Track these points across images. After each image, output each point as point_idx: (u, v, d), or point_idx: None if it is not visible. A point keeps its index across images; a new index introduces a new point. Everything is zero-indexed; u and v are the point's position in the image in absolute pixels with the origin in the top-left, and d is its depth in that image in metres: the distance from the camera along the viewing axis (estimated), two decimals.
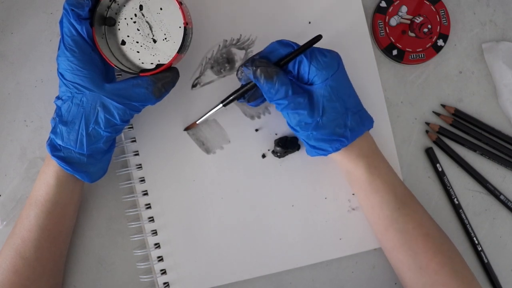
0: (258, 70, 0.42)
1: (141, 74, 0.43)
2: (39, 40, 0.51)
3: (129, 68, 0.44)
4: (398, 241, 0.44)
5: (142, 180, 0.50)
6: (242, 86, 0.45)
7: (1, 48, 0.51)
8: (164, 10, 0.44)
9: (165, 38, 0.44)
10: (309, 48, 0.42)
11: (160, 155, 0.50)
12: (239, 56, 0.51)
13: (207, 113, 0.48)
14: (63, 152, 0.43)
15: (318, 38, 0.42)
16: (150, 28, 0.44)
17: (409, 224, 0.44)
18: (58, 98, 0.43)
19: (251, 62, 0.43)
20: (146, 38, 0.44)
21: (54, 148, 0.43)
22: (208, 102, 0.51)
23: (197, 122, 0.49)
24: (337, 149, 0.43)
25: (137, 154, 0.50)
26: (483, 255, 0.51)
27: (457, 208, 0.52)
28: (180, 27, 0.44)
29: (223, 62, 0.51)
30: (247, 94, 0.45)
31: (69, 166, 0.43)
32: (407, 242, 0.43)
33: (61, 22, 0.42)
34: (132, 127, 0.51)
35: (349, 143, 0.43)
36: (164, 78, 0.43)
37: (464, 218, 0.51)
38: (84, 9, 0.41)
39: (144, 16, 0.44)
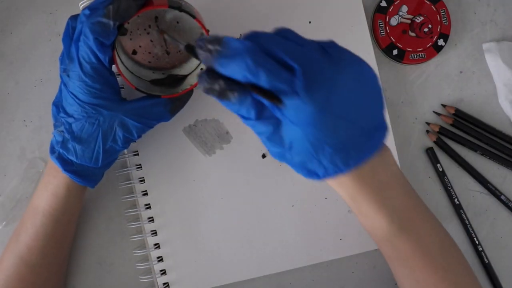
0: (205, 86, 0.31)
1: (162, 96, 0.43)
2: (38, 40, 0.51)
3: (152, 92, 0.43)
4: (393, 255, 0.40)
5: (142, 180, 0.50)
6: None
7: (0, 48, 0.51)
8: (180, 23, 0.43)
9: (179, 51, 0.44)
10: (268, 99, 0.31)
11: (159, 155, 0.50)
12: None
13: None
14: (75, 167, 0.42)
15: (277, 101, 0.31)
16: (164, 40, 0.44)
17: (406, 245, 0.39)
18: (68, 115, 0.41)
19: (206, 72, 0.31)
20: (159, 50, 0.44)
21: (65, 163, 0.42)
22: (208, 101, 0.51)
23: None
24: (313, 179, 0.36)
25: (137, 154, 0.50)
26: (483, 255, 0.51)
27: (457, 208, 0.51)
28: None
29: None
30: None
31: (81, 178, 0.43)
32: (404, 259, 0.40)
33: (77, 45, 0.38)
34: None
35: (322, 179, 0.35)
36: (181, 96, 0.44)
37: (465, 218, 0.51)
38: (110, 39, 0.38)
39: (158, 28, 0.43)
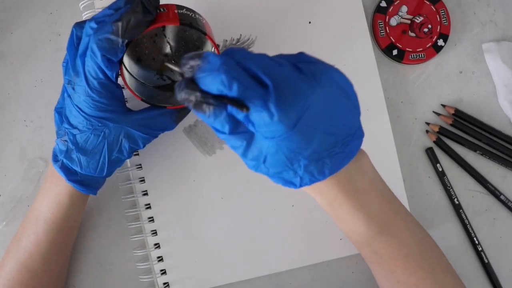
0: (182, 96, 0.31)
1: (168, 107, 0.43)
2: (38, 40, 0.51)
3: (158, 104, 0.42)
4: (373, 259, 0.41)
5: (142, 180, 0.50)
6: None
7: (0, 48, 0.51)
8: (189, 33, 0.43)
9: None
10: (237, 106, 0.31)
11: (160, 155, 0.50)
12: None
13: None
14: (79, 176, 0.42)
15: (245, 108, 0.31)
16: (171, 48, 0.43)
17: (386, 249, 0.39)
18: (71, 125, 0.40)
19: (185, 82, 0.31)
20: (165, 58, 0.44)
21: (69, 173, 0.42)
22: None
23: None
24: (290, 187, 0.36)
25: (137, 154, 0.50)
26: (483, 255, 0.51)
27: (457, 208, 0.51)
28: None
29: None
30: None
31: (85, 187, 0.43)
32: (384, 262, 0.40)
33: (83, 59, 0.37)
34: None
35: (297, 188, 0.36)
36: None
37: (465, 218, 0.51)
38: (118, 56, 0.37)
39: (165, 37, 0.43)
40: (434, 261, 0.41)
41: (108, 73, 0.37)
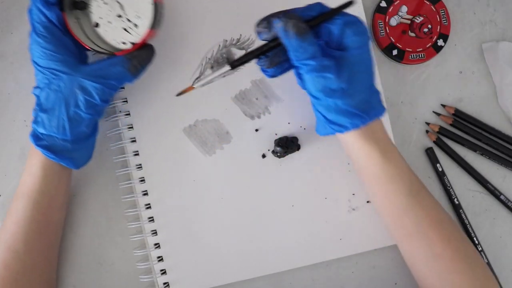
0: (290, 22, 0.39)
1: (116, 53, 0.43)
2: None
3: (104, 49, 0.44)
4: (412, 228, 0.43)
5: (142, 180, 0.50)
6: (263, 46, 0.43)
7: (0, 48, 0.51)
8: None
9: (138, 16, 0.44)
10: (339, 12, 0.41)
11: (160, 155, 0.50)
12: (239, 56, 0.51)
13: (210, 76, 0.45)
14: (46, 141, 0.43)
15: (350, 3, 0.41)
16: (122, 7, 0.44)
17: (423, 211, 0.43)
18: (36, 87, 0.43)
19: (283, 13, 0.40)
20: (119, 18, 0.44)
21: (37, 138, 0.43)
22: (208, 101, 0.51)
23: (194, 86, 0.45)
24: (356, 126, 0.41)
25: (137, 154, 0.50)
26: (483, 255, 0.51)
27: (457, 208, 0.51)
28: (151, 4, 0.44)
29: (223, 62, 0.51)
30: (266, 58, 0.42)
31: (53, 154, 0.43)
32: (422, 229, 0.43)
33: (30, 10, 0.42)
34: (132, 127, 0.50)
35: (369, 121, 0.42)
36: (139, 55, 0.44)
37: (465, 218, 0.51)
38: None
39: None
40: (464, 238, 0.44)
41: (48, 14, 0.41)
